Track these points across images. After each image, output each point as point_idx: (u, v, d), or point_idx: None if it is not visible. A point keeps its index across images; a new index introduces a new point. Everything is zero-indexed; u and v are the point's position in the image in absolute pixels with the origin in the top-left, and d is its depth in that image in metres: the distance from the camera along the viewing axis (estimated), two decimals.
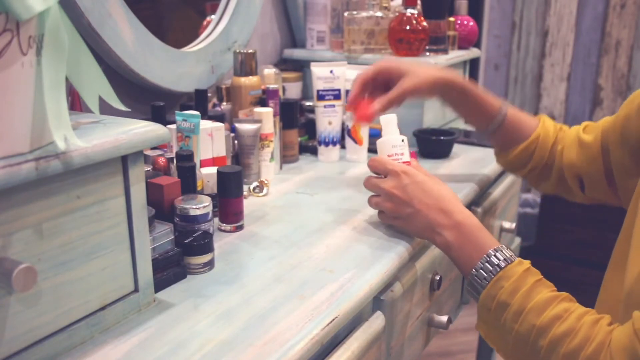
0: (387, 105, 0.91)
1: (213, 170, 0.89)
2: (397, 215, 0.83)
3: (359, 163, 1.23)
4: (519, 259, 0.72)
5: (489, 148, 1.33)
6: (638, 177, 0.81)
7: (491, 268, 0.71)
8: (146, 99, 1.10)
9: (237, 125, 1.04)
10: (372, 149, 1.27)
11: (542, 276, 0.71)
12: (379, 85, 0.96)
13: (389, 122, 0.88)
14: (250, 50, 1.14)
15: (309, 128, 1.30)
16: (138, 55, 1.04)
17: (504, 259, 0.72)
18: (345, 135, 1.24)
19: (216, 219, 0.87)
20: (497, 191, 1.21)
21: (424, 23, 1.32)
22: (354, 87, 0.94)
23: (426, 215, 0.79)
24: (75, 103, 0.84)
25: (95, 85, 0.57)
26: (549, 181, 0.98)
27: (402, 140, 0.88)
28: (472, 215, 0.78)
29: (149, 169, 0.82)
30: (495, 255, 0.72)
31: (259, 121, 1.04)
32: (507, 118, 0.95)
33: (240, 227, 0.88)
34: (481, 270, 0.72)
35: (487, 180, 1.16)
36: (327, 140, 1.22)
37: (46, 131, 0.50)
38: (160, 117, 0.98)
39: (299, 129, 1.26)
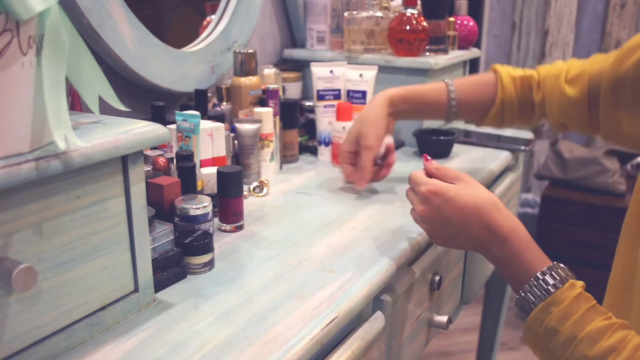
0: (370, 174, 1.01)
1: (213, 170, 0.89)
2: (436, 235, 0.78)
3: None
4: (571, 281, 0.66)
5: (489, 148, 1.33)
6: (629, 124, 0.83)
7: (539, 293, 0.67)
8: (146, 99, 1.10)
9: (237, 125, 1.04)
10: None
11: (595, 301, 0.66)
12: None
13: None
14: (250, 50, 1.14)
15: (309, 128, 1.30)
16: (138, 55, 1.04)
17: (553, 284, 0.66)
18: None
19: (216, 219, 0.87)
20: (497, 191, 1.21)
21: (424, 23, 1.32)
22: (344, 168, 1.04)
23: (470, 233, 0.73)
24: (75, 103, 0.84)
25: (95, 85, 0.57)
26: (531, 123, 1.04)
27: None
28: (519, 225, 0.72)
29: (149, 169, 0.82)
30: (543, 279, 0.67)
31: (259, 121, 1.04)
32: (459, 98, 1.01)
33: (240, 227, 0.88)
34: (529, 294, 0.67)
35: (487, 181, 1.16)
36: (327, 140, 1.22)
37: (46, 131, 0.50)
38: (160, 117, 0.98)
39: (299, 129, 1.26)
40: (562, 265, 0.69)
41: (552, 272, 0.67)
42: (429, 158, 0.81)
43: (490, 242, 0.71)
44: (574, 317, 0.64)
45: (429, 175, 0.79)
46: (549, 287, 0.66)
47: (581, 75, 0.90)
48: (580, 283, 0.67)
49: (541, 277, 0.67)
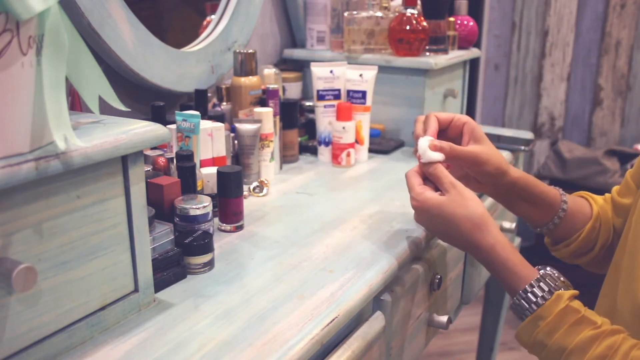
0: (452, 151, 0.81)
1: (213, 170, 0.89)
2: (434, 233, 0.83)
3: (359, 163, 1.23)
4: (557, 293, 0.68)
5: None
6: None
7: (527, 306, 0.69)
8: (146, 99, 1.10)
9: (237, 125, 1.04)
10: (373, 149, 1.28)
11: (583, 311, 0.67)
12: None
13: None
14: (250, 50, 1.14)
15: (309, 128, 1.30)
16: (138, 55, 1.04)
17: (535, 301, 0.68)
18: None
19: (216, 219, 0.87)
20: None
21: (424, 23, 1.32)
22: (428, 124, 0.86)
23: (458, 240, 0.77)
24: (75, 103, 0.84)
25: (95, 85, 0.57)
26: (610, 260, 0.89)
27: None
28: (497, 243, 0.74)
29: (149, 169, 0.82)
30: (531, 293, 0.69)
31: (259, 121, 1.04)
32: (570, 204, 0.88)
33: (240, 227, 0.88)
34: (518, 307, 0.70)
35: None
36: (327, 140, 1.22)
37: (46, 131, 0.50)
38: (160, 117, 0.98)
39: (299, 129, 1.26)
40: (550, 273, 0.71)
41: (540, 284, 0.69)
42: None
43: (476, 253, 0.76)
44: (560, 330, 0.66)
45: (424, 176, 0.80)
46: (537, 299, 0.68)
47: (626, 184, 0.87)
48: (568, 293, 0.68)
49: (523, 295, 0.70)
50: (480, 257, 0.75)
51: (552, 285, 0.69)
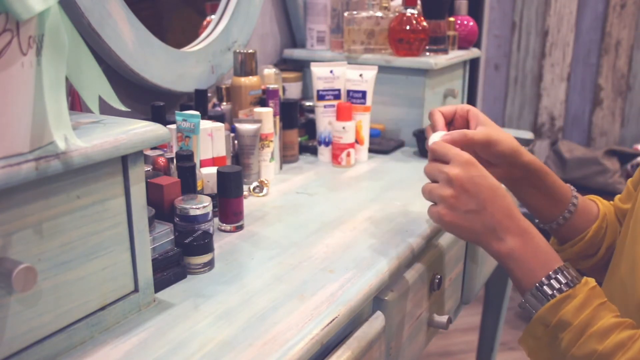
0: (465, 137, 0.79)
1: (213, 170, 0.89)
2: (454, 206, 0.72)
3: (359, 163, 1.23)
4: (585, 278, 0.68)
5: None
6: None
7: (557, 286, 0.67)
8: (146, 99, 1.10)
9: (237, 125, 1.04)
10: (373, 149, 1.28)
11: (606, 298, 0.67)
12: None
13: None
14: (250, 50, 1.14)
15: (309, 128, 1.30)
16: (138, 55, 1.04)
17: (571, 279, 0.67)
18: None
19: (216, 219, 0.87)
20: None
21: (424, 23, 1.32)
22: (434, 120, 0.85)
23: (492, 215, 0.71)
24: (75, 103, 0.84)
25: (95, 85, 0.57)
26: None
27: None
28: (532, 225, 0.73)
29: (149, 169, 0.82)
30: (563, 273, 0.68)
31: (259, 121, 1.05)
32: (580, 200, 0.87)
33: (240, 227, 0.88)
34: (545, 287, 0.67)
35: None
36: (327, 140, 1.22)
37: (46, 131, 0.50)
38: (160, 117, 0.98)
39: (299, 129, 1.26)
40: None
41: (569, 269, 0.68)
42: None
43: (509, 230, 0.70)
44: (587, 310, 0.65)
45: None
46: (568, 281, 0.67)
47: (627, 191, 0.87)
48: (592, 279, 0.68)
49: (561, 271, 0.68)
50: (518, 229, 0.71)
51: (574, 274, 0.68)
